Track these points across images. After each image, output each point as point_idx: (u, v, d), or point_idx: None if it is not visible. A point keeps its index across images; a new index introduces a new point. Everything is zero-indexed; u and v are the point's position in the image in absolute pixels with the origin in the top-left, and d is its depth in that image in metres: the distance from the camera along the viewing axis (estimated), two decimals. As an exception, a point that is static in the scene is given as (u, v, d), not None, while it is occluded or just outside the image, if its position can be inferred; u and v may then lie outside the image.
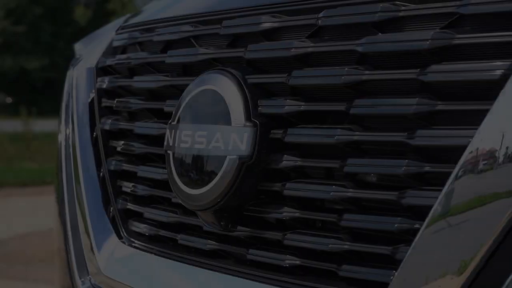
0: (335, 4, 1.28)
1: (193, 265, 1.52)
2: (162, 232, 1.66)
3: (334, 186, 1.24)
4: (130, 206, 1.78)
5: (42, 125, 17.56)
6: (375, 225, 1.20)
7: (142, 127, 1.73)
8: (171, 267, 1.60)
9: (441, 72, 1.10)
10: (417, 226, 1.12)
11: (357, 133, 1.21)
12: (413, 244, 1.08)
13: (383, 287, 1.15)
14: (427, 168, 1.12)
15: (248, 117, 1.32)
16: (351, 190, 1.22)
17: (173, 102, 1.59)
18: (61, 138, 2.10)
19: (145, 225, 1.71)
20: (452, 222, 1.04)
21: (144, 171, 1.71)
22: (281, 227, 1.39)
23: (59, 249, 2.05)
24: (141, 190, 1.73)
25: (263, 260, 1.38)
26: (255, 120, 1.32)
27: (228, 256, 1.49)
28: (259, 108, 1.33)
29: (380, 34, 1.20)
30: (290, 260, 1.32)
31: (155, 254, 1.65)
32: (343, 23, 1.25)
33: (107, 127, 1.89)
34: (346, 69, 1.21)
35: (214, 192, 1.36)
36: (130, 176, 1.82)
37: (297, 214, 1.32)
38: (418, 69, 1.13)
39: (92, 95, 2.00)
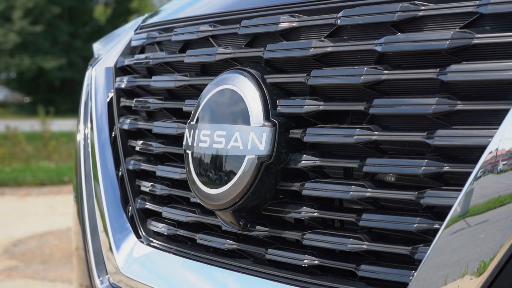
0: (354, 3, 1.28)
1: (212, 264, 1.52)
2: (181, 232, 1.66)
3: (353, 186, 1.23)
4: (149, 205, 1.78)
5: (59, 124, 17.59)
6: (394, 225, 1.19)
7: (161, 126, 1.73)
8: (189, 267, 1.59)
9: (461, 71, 1.10)
10: (436, 226, 1.11)
11: (376, 133, 1.20)
12: (432, 244, 1.07)
13: (402, 287, 1.14)
14: (446, 168, 1.12)
15: (267, 117, 1.32)
16: (370, 190, 1.21)
17: (192, 102, 1.60)
18: (79, 137, 2.10)
19: (164, 225, 1.71)
20: (471, 222, 1.03)
21: (163, 170, 1.71)
22: (300, 227, 1.38)
23: (77, 248, 2.05)
24: (160, 189, 1.73)
25: (282, 260, 1.37)
26: (274, 120, 1.31)
27: (246, 255, 1.49)
28: (278, 108, 1.33)
29: (399, 34, 1.19)
30: (308, 260, 1.32)
31: (174, 253, 1.65)
32: (362, 23, 1.25)
33: (125, 126, 1.90)
34: (366, 68, 1.21)
35: (233, 191, 1.35)
36: (149, 176, 1.82)
37: (315, 214, 1.31)
38: (438, 69, 1.12)
39: (111, 94, 2.01)
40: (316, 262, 1.30)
